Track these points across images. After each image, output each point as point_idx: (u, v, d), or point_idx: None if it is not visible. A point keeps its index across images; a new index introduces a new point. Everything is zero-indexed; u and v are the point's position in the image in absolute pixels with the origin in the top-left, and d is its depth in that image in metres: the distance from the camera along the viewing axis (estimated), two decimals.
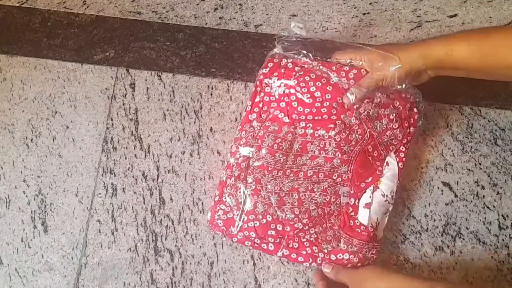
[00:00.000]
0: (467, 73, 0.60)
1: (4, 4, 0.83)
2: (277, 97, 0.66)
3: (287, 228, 0.63)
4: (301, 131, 0.65)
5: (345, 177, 0.63)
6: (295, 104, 0.65)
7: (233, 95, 0.75)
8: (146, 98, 0.76)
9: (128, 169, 0.73)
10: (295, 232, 0.62)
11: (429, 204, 0.69)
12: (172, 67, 0.77)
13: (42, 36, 0.81)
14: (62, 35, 0.81)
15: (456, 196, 0.69)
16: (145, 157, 0.73)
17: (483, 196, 0.69)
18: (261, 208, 0.63)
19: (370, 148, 0.64)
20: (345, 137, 0.64)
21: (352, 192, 0.63)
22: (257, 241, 0.63)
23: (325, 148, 0.64)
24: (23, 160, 0.75)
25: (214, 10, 0.80)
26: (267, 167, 0.64)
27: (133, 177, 0.72)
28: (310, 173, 0.63)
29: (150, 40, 0.79)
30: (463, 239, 0.67)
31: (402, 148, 0.65)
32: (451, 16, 0.76)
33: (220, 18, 0.79)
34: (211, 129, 0.73)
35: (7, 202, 0.73)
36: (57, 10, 0.82)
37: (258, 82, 0.67)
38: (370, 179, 0.64)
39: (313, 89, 0.65)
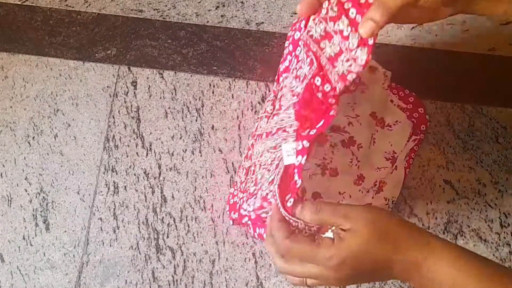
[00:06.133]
0: None
1: (5, 2, 0.83)
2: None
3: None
4: (278, 88, 0.56)
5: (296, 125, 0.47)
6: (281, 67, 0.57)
7: (235, 93, 0.75)
8: (147, 96, 0.76)
9: (129, 167, 0.73)
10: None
11: (431, 202, 0.69)
12: (174, 65, 0.77)
13: (44, 34, 0.81)
14: (64, 33, 0.81)
15: (457, 194, 0.69)
16: (146, 155, 0.73)
17: (485, 194, 0.69)
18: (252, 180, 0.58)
19: (318, 81, 0.46)
20: (295, 74, 0.49)
21: (299, 147, 0.45)
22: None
23: (286, 97, 0.51)
24: (24, 158, 0.75)
25: (216, 8, 0.80)
26: (260, 135, 0.57)
27: (134, 175, 0.72)
28: (274, 131, 0.51)
29: (152, 38, 0.79)
30: (465, 237, 0.67)
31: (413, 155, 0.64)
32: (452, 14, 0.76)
33: (221, 16, 0.79)
34: (212, 127, 0.74)
35: (8, 200, 0.73)
36: (58, 8, 0.82)
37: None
38: (321, 122, 0.44)
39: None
